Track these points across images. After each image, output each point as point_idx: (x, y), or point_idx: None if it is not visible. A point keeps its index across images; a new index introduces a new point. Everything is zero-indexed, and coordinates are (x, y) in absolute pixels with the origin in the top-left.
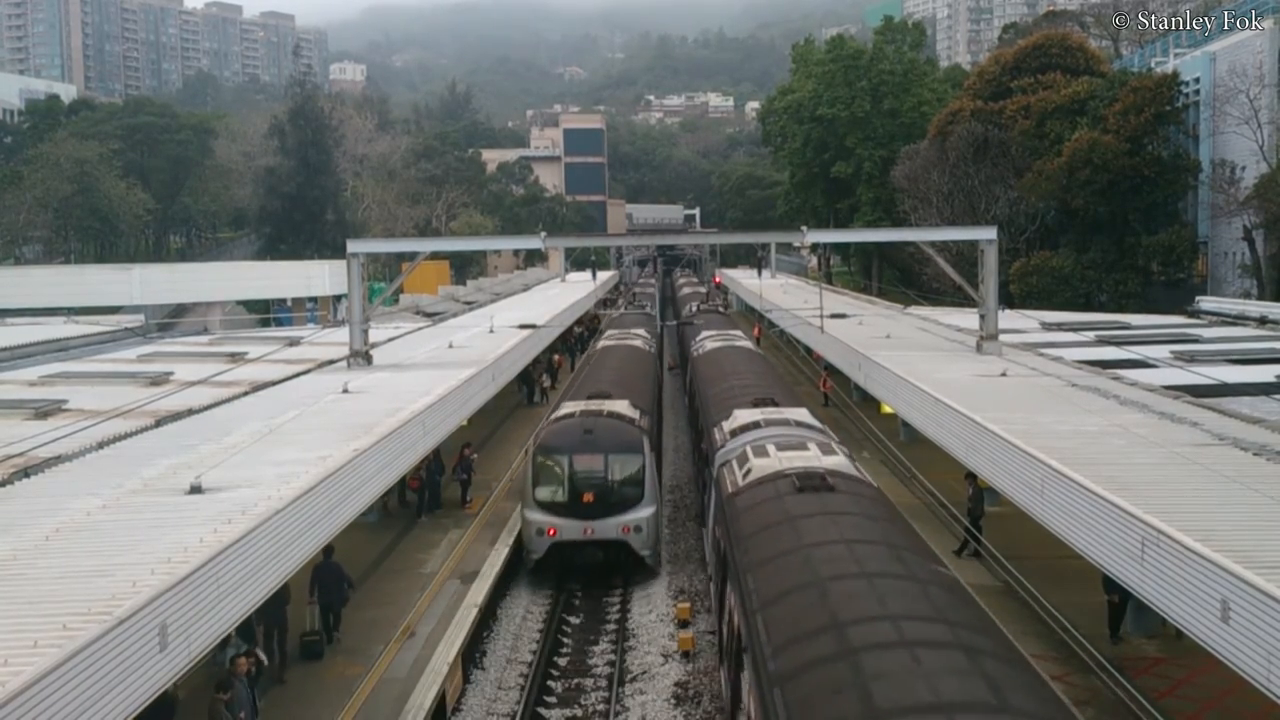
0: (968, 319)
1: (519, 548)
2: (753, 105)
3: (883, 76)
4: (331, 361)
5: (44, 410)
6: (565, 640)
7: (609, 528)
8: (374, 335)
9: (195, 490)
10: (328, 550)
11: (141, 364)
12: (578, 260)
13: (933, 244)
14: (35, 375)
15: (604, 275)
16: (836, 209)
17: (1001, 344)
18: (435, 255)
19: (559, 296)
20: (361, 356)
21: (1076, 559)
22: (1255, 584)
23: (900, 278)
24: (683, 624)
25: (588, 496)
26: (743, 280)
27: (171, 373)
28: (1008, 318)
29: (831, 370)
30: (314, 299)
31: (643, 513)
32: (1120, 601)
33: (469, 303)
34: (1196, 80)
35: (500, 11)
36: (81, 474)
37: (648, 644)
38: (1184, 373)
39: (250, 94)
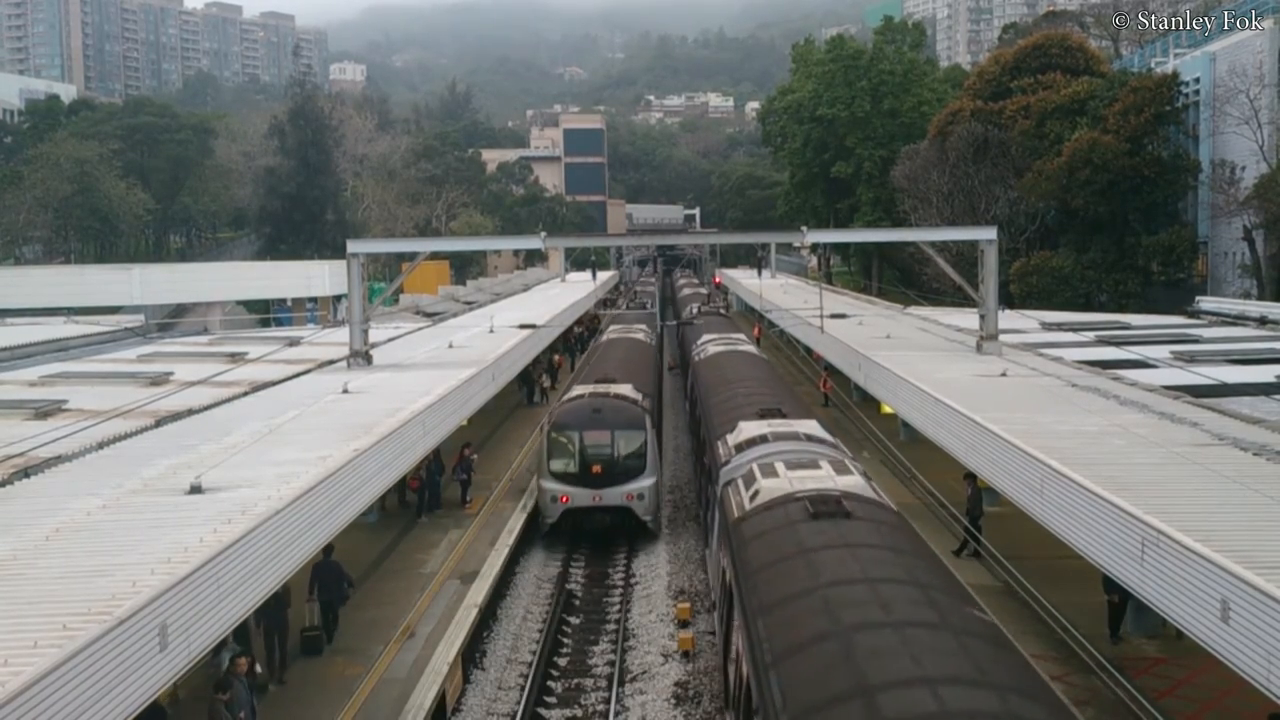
0: (968, 319)
1: (521, 543)
2: (753, 105)
3: (883, 77)
4: (331, 362)
5: (44, 410)
6: (565, 640)
7: (615, 495)
8: (374, 335)
9: (195, 490)
10: (327, 549)
11: (141, 364)
12: (578, 260)
13: (933, 244)
14: (35, 375)
15: (604, 275)
16: (836, 209)
17: (1001, 344)
18: (435, 255)
19: (559, 297)
20: (361, 356)
21: (1076, 559)
22: (1255, 584)
23: (900, 278)
24: (683, 624)
25: (596, 468)
26: (743, 280)
27: (171, 373)
28: (1008, 318)
29: (831, 370)
30: (314, 299)
31: (645, 482)
32: (1120, 601)
33: (469, 303)
34: (1196, 80)
35: (500, 11)
36: (81, 474)
37: (648, 644)
38: (1184, 373)
39: (250, 94)
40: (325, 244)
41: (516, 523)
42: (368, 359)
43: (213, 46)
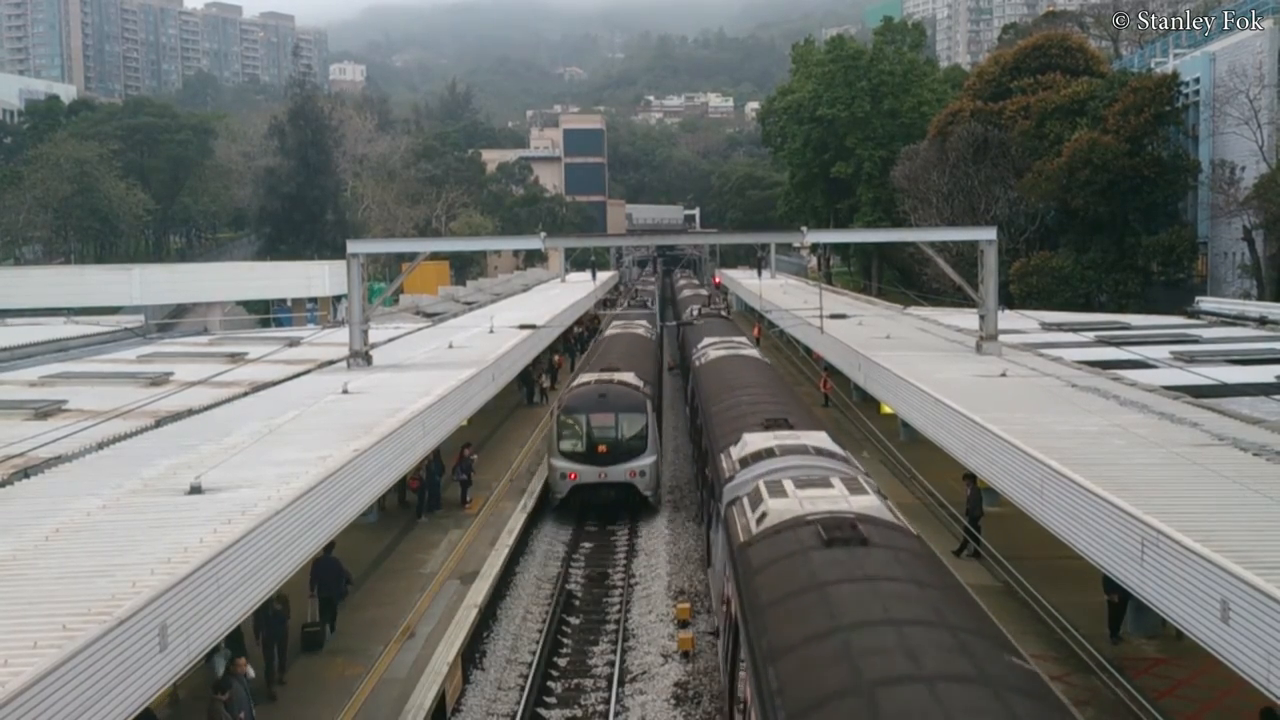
0: (968, 319)
1: (526, 535)
2: (753, 105)
3: (883, 77)
4: (331, 362)
5: (44, 410)
6: (565, 640)
7: (619, 472)
8: (374, 335)
9: (195, 490)
10: (327, 545)
11: (141, 364)
12: (577, 261)
13: (933, 244)
14: (35, 375)
15: (604, 275)
16: (836, 209)
17: (1001, 344)
18: (435, 255)
19: (559, 297)
20: (361, 357)
21: (1076, 559)
22: (1255, 584)
23: (900, 278)
24: (683, 624)
25: (601, 448)
26: (743, 280)
27: (171, 373)
28: (1007, 318)
29: (831, 370)
30: (314, 299)
31: (646, 460)
32: (1120, 601)
33: (469, 303)
34: (1196, 80)
35: (500, 11)
36: (81, 474)
37: (648, 644)
38: (1184, 373)
39: (250, 94)
40: (325, 244)
41: (516, 523)
42: (368, 359)
43: (213, 47)
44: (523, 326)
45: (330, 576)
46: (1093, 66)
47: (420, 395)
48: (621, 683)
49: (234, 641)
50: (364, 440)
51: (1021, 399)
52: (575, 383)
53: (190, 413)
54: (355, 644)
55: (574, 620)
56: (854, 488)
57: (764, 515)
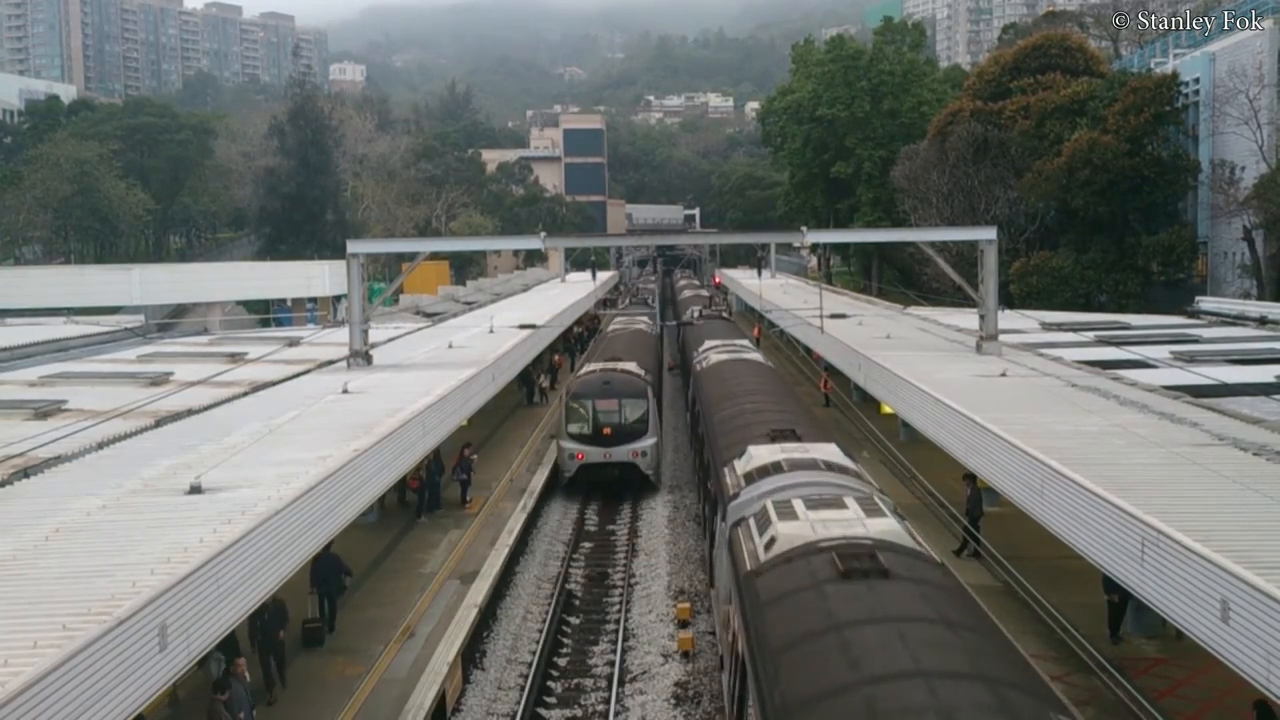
0: (968, 319)
1: (527, 532)
2: (753, 105)
3: (882, 77)
4: (331, 362)
5: (44, 410)
6: (565, 640)
7: (622, 453)
8: (374, 335)
9: (195, 490)
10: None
11: (141, 364)
12: (577, 260)
13: (933, 244)
14: (35, 375)
15: (604, 275)
16: (836, 209)
17: (1001, 344)
18: (435, 255)
19: (559, 297)
20: (361, 357)
21: (1076, 559)
22: (1255, 584)
23: (900, 278)
24: (683, 624)
25: (606, 430)
26: (743, 280)
27: (171, 373)
28: (1007, 318)
29: (831, 370)
30: (314, 299)
31: (647, 442)
32: (1120, 601)
33: (469, 303)
34: (1196, 80)
35: (500, 11)
36: (81, 474)
37: (648, 644)
38: (1184, 373)
39: (250, 94)
40: (325, 244)
41: (516, 523)
42: (368, 359)
43: (213, 47)
44: (523, 326)
45: (329, 571)
46: (1093, 66)
47: (420, 395)
48: (621, 682)
49: (230, 647)
50: (364, 440)
51: (1021, 399)
52: (582, 372)
53: (190, 413)
54: (355, 644)
55: (574, 620)
56: (870, 509)
57: (773, 540)
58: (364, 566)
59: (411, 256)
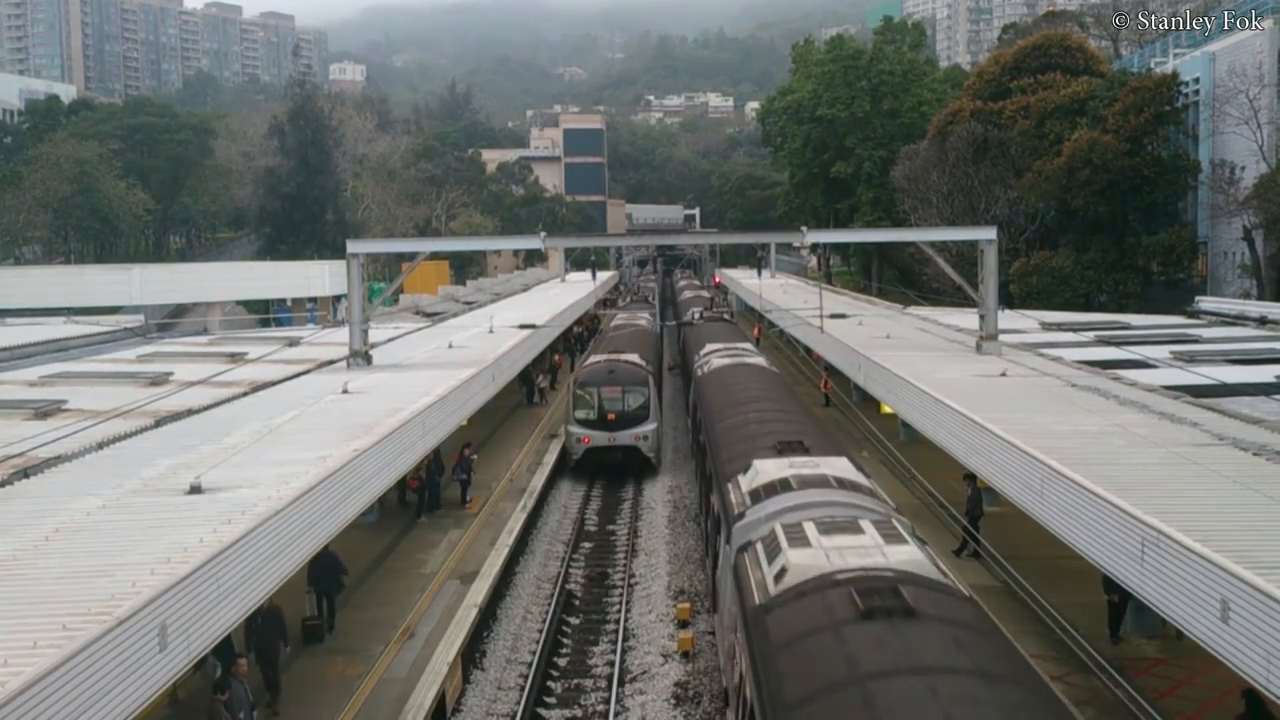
0: (968, 319)
1: (527, 532)
2: (753, 105)
3: (882, 77)
4: (331, 362)
5: (44, 410)
6: (565, 640)
7: (625, 437)
8: (374, 335)
9: (195, 490)
10: None
11: (141, 364)
12: (577, 260)
13: (933, 244)
14: (35, 375)
15: (604, 275)
16: (836, 209)
17: (1001, 344)
18: (435, 255)
19: (559, 297)
20: (361, 356)
21: (1076, 559)
22: (1255, 584)
23: (900, 278)
24: (683, 624)
25: (610, 416)
26: (743, 280)
27: (171, 373)
28: (1007, 318)
29: (831, 370)
30: (314, 299)
31: (649, 427)
32: (1120, 601)
33: (469, 303)
34: (1196, 80)
35: (500, 11)
36: (81, 474)
37: (648, 644)
38: (1184, 373)
39: (250, 94)
40: (325, 244)
41: (516, 523)
42: (367, 359)
43: (213, 46)
44: (523, 326)
45: (326, 570)
46: (1093, 66)
47: (420, 395)
48: (621, 683)
49: (222, 652)
50: (364, 440)
51: (1021, 399)
52: (587, 362)
53: (190, 413)
54: (355, 644)
55: (574, 620)
56: (889, 534)
57: (783, 571)
58: (364, 566)
59: (411, 256)
